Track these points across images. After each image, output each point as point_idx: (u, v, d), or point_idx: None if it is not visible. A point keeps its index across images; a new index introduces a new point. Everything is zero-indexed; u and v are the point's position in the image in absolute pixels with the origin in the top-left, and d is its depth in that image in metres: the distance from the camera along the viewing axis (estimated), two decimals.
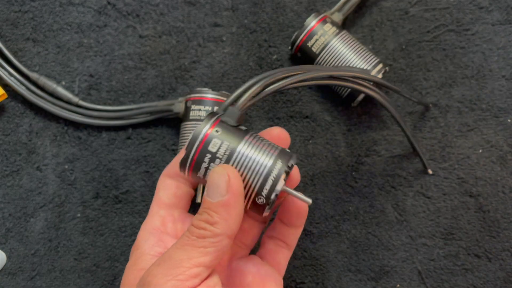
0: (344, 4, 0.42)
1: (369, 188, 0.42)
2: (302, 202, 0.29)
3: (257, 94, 0.30)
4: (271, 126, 0.43)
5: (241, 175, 0.27)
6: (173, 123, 0.43)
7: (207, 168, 0.28)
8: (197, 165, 0.28)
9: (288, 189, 0.28)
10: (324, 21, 0.40)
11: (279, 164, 0.27)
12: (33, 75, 0.43)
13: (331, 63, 0.40)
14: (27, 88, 0.43)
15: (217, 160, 0.27)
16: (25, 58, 0.44)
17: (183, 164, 0.28)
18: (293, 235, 0.33)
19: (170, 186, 0.32)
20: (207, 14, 0.44)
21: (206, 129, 0.28)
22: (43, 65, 0.44)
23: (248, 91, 0.29)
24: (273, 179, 0.27)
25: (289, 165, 0.28)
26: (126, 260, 0.42)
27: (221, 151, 0.27)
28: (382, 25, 0.44)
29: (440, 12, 0.44)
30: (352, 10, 0.42)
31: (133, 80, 0.44)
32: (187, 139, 0.39)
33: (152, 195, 0.42)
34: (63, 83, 0.44)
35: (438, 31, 0.43)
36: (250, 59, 0.44)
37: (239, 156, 0.27)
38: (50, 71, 0.44)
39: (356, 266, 0.41)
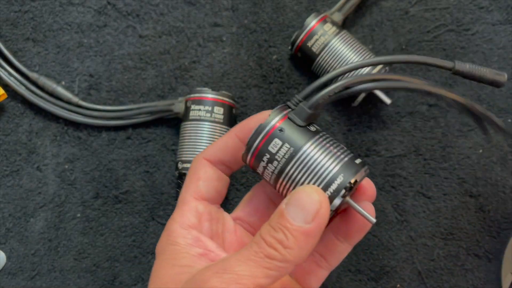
0: (344, 4, 0.42)
1: None
2: (364, 219, 0.26)
3: (336, 93, 0.26)
4: None
5: (297, 180, 0.25)
6: (173, 123, 0.43)
7: (265, 168, 0.26)
8: (256, 162, 0.26)
9: (351, 202, 0.25)
10: (324, 21, 0.40)
11: (340, 178, 0.25)
12: (33, 75, 0.43)
13: (331, 63, 0.40)
14: (27, 88, 0.43)
15: (275, 162, 0.25)
16: (25, 58, 0.44)
17: (244, 156, 0.26)
18: (340, 253, 0.29)
19: (211, 177, 0.29)
20: (207, 14, 0.44)
21: (271, 125, 0.25)
22: (43, 65, 0.44)
23: (327, 88, 0.26)
24: (329, 193, 0.24)
25: (352, 181, 0.25)
26: (126, 260, 0.42)
27: (280, 153, 0.25)
28: (382, 25, 0.44)
29: (440, 12, 0.44)
30: (352, 10, 0.42)
31: (133, 80, 0.44)
32: (187, 139, 0.39)
33: (152, 195, 0.43)
34: (63, 83, 0.44)
35: (438, 31, 0.43)
36: (250, 59, 0.44)
37: (298, 162, 0.25)
38: (50, 71, 0.44)
39: (356, 266, 0.41)
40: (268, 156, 0.25)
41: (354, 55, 0.39)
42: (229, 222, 0.30)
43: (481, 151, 0.42)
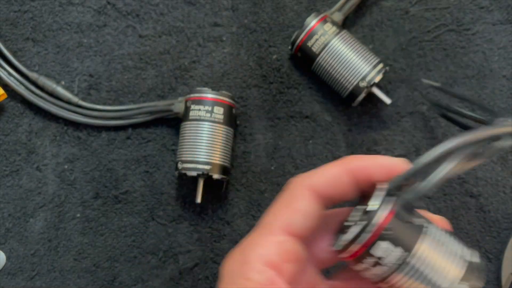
0: (344, 3, 0.42)
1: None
2: None
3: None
4: (271, 126, 0.43)
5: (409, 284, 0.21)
6: (173, 123, 0.43)
7: (366, 269, 0.21)
8: (358, 260, 0.22)
9: None
10: (324, 20, 0.40)
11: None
12: (33, 75, 0.43)
13: (331, 63, 0.40)
14: (27, 88, 0.43)
15: (383, 267, 0.21)
16: (24, 58, 0.44)
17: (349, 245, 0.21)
18: None
19: (311, 213, 0.23)
20: (207, 14, 0.44)
21: (378, 224, 0.20)
22: (43, 65, 0.44)
23: (447, 167, 0.19)
24: None
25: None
26: (126, 260, 0.42)
27: (391, 259, 0.20)
28: (382, 25, 0.44)
29: (441, 12, 0.44)
30: (352, 9, 0.42)
31: (133, 80, 0.44)
32: (187, 139, 0.39)
33: (152, 195, 0.42)
34: (63, 83, 0.44)
35: (438, 31, 0.43)
36: (250, 59, 0.44)
37: (413, 268, 0.20)
38: (49, 71, 0.44)
39: None
40: (371, 260, 0.21)
41: (354, 55, 0.39)
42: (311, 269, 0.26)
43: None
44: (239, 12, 0.44)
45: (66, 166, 0.43)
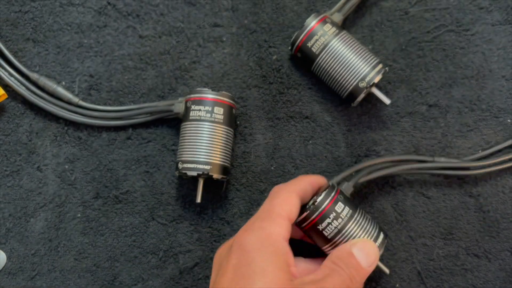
0: (344, 4, 0.42)
1: (369, 188, 0.42)
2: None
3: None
4: (271, 126, 0.43)
5: (354, 235, 0.35)
6: (173, 123, 0.43)
7: (329, 223, 0.35)
8: (320, 219, 0.35)
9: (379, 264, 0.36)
10: (324, 21, 0.40)
11: (381, 236, 0.36)
12: (33, 75, 0.43)
13: (331, 63, 0.40)
14: (27, 89, 0.43)
15: (340, 220, 0.34)
16: (25, 59, 0.44)
17: (312, 213, 0.35)
18: None
19: (298, 208, 0.34)
20: (207, 15, 0.44)
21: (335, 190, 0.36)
22: (43, 65, 0.44)
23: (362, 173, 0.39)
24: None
25: (383, 242, 0.36)
26: (126, 260, 0.42)
27: (343, 213, 0.35)
28: (382, 25, 0.44)
29: (440, 13, 0.44)
30: (352, 10, 0.42)
31: (133, 80, 0.44)
32: (187, 139, 0.39)
33: (153, 195, 0.43)
34: (63, 83, 0.44)
35: (438, 32, 0.43)
36: (250, 59, 0.44)
37: (355, 221, 0.35)
38: (50, 71, 0.44)
39: None
40: (334, 214, 0.34)
41: (354, 55, 0.39)
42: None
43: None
44: (239, 13, 0.44)
45: (66, 166, 0.43)
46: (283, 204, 0.33)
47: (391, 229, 0.42)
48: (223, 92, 0.40)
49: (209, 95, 0.40)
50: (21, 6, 0.44)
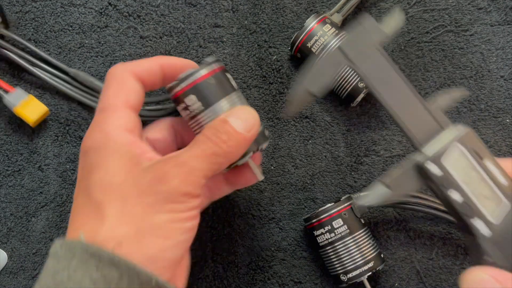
0: (344, 5, 0.42)
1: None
2: (253, 176, 0.34)
3: None
4: (271, 126, 0.43)
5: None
6: None
7: (194, 103, 0.31)
8: (183, 96, 0.31)
9: (251, 161, 0.33)
10: (323, 22, 0.41)
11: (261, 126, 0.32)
12: (71, 70, 0.42)
13: None
14: (66, 82, 0.43)
15: (187, 111, 0.31)
16: None
17: (174, 87, 0.32)
18: (224, 192, 0.36)
19: (139, 91, 0.31)
20: (208, 15, 0.44)
21: (201, 74, 0.31)
22: None
23: None
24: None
25: (266, 134, 0.33)
26: None
27: (196, 106, 0.31)
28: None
29: (439, 13, 0.44)
30: (351, 11, 0.43)
31: None
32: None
33: None
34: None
35: (437, 32, 0.44)
36: (250, 60, 0.44)
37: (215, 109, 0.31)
38: None
39: None
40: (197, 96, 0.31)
41: None
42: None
43: None
44: (239, 13, 0.44)
45: (68, 166, 0.43)
46: (117, 92, 0.30)
47: (391, 229, 0.42)
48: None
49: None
50: (22, 6, 0.44)
